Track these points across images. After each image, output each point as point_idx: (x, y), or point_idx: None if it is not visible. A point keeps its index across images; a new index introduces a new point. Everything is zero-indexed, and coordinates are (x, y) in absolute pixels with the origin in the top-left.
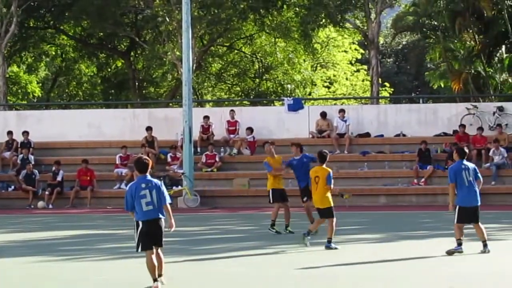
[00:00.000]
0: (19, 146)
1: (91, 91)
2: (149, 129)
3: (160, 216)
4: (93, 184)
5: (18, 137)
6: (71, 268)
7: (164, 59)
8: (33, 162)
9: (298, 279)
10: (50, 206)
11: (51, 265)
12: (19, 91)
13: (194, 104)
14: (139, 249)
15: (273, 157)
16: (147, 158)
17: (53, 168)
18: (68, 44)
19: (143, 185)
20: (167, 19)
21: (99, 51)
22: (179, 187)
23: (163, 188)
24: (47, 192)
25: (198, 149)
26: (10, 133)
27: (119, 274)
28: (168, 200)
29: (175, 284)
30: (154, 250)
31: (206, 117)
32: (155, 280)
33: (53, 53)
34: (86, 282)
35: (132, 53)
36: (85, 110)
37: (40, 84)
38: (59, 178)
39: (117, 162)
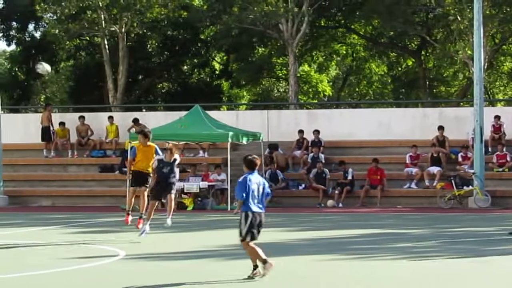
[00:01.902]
0: (309, 144)
1: (381, 90)
2: (440, 128)
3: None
4: (383, 183)
5: (309, 136)
6: (360, 266)
7: (455, 58)
8: (323, 161)
9: None
10: (340, 205)
11: (340, 263)
12: (310, 90)
13: (486, 103)
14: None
15: None
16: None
17: (342, 167)
18: (359, 43)
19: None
20: (458, 17)
21: (389, 50)
22: (470, 187)
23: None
24: (336, 191)
25: (489, 149)
26: (301, 131)
27: (404, 274)
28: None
29: (457, 282)
30: None
31: (497, 117)
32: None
33: (344, 52)
34: (373, 280)
35: (422, 52)
36: (375, 109)
37: (331, 83)
38: (349, 177)
39: (407, 162)
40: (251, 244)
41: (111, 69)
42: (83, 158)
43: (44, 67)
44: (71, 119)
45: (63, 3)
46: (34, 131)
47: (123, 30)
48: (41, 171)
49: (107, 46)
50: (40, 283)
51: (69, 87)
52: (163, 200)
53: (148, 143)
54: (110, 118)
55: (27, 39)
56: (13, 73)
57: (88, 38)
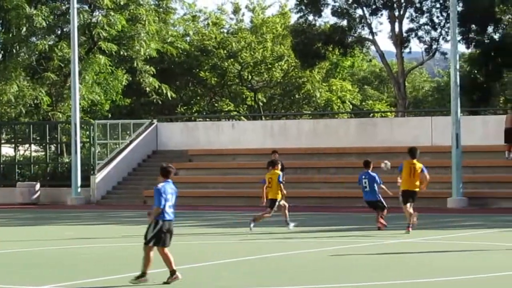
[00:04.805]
0: None
1: None
2: None
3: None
4: None
5: None
6: None
7: None
8: None
9: None
10: None
11: None
12: None
13: None
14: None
15: None
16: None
17: None
18: None
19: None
20: None
21: None
22: None
23: None
24: None
25: None
26: None
27: None
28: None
29: None
30: None
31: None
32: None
33: None
34: None
35: None
36: None
37: None
38: None
39: None
40: None
41: None
42: None
43: (387, 165)
44: None
45: None
46: (493, 133)
47: None
48: (501, 173)
49: None
50: None
51: None
52: None
53: None
54: None
55: (486, 41)
56: (472, 76)
57: None
